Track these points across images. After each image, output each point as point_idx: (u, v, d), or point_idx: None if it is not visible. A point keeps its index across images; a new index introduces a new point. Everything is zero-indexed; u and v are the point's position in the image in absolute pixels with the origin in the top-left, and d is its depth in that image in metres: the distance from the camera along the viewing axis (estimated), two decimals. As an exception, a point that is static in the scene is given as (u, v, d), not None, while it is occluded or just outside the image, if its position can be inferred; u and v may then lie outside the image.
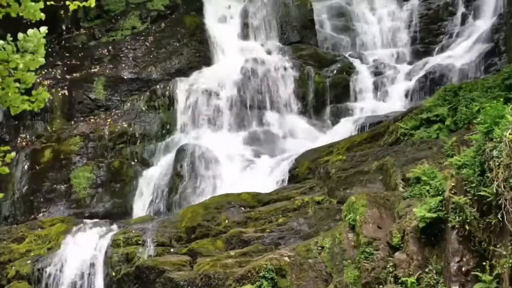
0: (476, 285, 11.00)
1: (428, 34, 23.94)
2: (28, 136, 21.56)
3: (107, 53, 23.43)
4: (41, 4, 8.21)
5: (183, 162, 19.55)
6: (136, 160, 20.74)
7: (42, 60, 8.05)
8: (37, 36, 7.94)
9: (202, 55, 23.08)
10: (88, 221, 17.52)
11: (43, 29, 8.00)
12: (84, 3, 8.78)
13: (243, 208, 16.32)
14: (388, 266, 12.23)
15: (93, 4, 8.81)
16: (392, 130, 17.46)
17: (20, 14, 8.15)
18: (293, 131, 21.04)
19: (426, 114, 16.78)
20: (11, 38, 7.93)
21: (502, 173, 10.59)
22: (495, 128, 10.95)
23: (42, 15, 8.22)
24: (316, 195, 15.92)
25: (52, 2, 8.59)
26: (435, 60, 22.11)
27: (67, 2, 8.65)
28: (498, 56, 21.10)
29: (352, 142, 18.28)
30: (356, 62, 23.12)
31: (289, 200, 16.19)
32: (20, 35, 7.92)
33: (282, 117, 21.42)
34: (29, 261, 15.81)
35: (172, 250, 15.40)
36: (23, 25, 8.53)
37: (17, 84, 8.16)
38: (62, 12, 22.24)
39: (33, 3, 8.08)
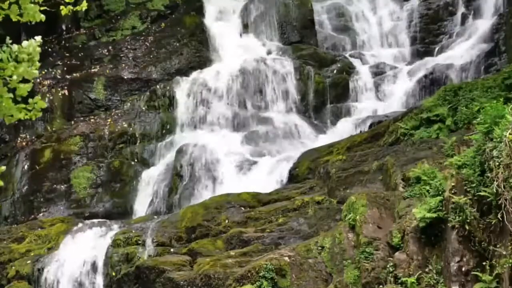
0: (476, 285, 11.00)
1: (428, 34, 23.93)
2: (28, 136, 21.55)
3: (107, 53, 23.43)
4: (37, 8, 8.18)
5: (183, 162, 19.54)
6: (136, 160, 20.74)
7: (35, 73, 7.99)
8: (32, 45, 7.91)
9: (202, 55, 23.07)
10: (88, 221, 17.53)
11: (38, 38, 7.98)
12: (77, 8, 8.77)
13: (243, 208, 16.32)
14: (388, 266, 12.23)
15: (84, 8, 8.80)
16: (392, 130, 17.46)
17: (17, 18, 8.12)
18: (293, 131, 21.03)
19: (426, 114, 16.78)
20: (10, 41, 7.90)
21: (502, 173, 10.59)
22: (495, 128, 10.95)
23: (42, 17, 8.19)
24: (316, 195, 15.92)
25: (47, 8, 8.56)
26: (435, 60, 22.09)
27: (61, 7, 8.63)
28: (498, 56, 21.09)
29: (352, 142, 18.28)
30: (356, 62, 23.10)
31: (289, 200, 16.19)
32: (15, 47, 7.87)
33: (282, 117, 21.40)
34: (29, 261, 15.82)
35: (172, 250, 15.40)
36: (24, 27, 8.52)
37: (11, 95, 8.10)
38: (61, 11, 22.21)
39: (32, 5, 8.05)
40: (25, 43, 7.87)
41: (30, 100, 8.15)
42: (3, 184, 8.70)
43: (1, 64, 7.80)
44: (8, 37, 7.94)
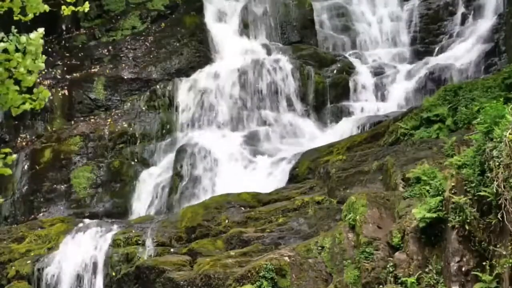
0: (476, 285, 11.01)
1: (428, 34, 23.93)
2: (28, 136, 21.56)
3: (107, 53, 23.43)
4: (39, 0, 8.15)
5: (183, 162, 19.55)
6: (136, 160, 20.74)
7: (42, 65, 8.01)
8: (35, 37, 7.90)
9: (202, 55, 23.07)
10: (88, 221, 17.52)
11: (41, 30, 7.97)
12: (79, 8, 8.76)
13: (243, 208, 16.32)
14: (388, 266, 12.23)
15: (86, 10, 8.80)
16: (392, 130, 17.46)
17: (19, 17, 8.10)
18: (293, 131, 21.03)
19: (426, 114, 16.79)
20: (15, 30, 7.88)
21: (502, 173, 10.59)
22: (495, 128, 10.95)
23: (46, 7, 8.17)
24: (316, 195, 15.92)
25: (49, 8, 8.54)
26: (435, 60, 22.10)
27: (63, 7, 8.63)
28: (498, 56, 21.10)
29: (352, 142, 18.29)
30: (356, 62, 23.11)
31: (289, 200, 16.19)
32: (23, 38, 7.88)
33: (282, 117, 21.40)
34: (29, 261, 15.82)
35: (172, 250, 15.40)
36: (24, 24, 8.50)
37: (17, 87, 8.12)
38: (62, 12, 22.23)
39: None
40: (33, 34, 7.88)
41: (35, 90, 8.19)
42: (11, 172, 8.70)
43: (6, 55, 7.80)
44: (13, 26, 7.93)
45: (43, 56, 8.06)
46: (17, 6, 8.06)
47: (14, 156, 8.61)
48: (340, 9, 25.48)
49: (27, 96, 8.21)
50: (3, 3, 8.08)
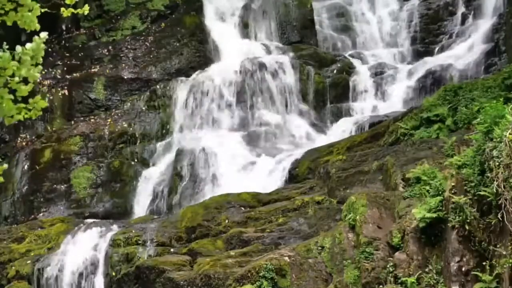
0: (476, 285, 11.01)
1: (428, 34, 23.93)
2: (28, 136, 21.56)
3: (107, 53, 23.42)
4: (37, 12, 8.12)
5: (183, 162, 19.55)
6: (136, 160, 20.74)
7: (37, 75, 7.97)
8: (36, 41, 7.88)
9: (202, 55, 23.07)
10: (88, 221, 17.55)
11: (44, 34, 7.94)
12: (78, 11, 8.75)
13: (243, 208, 16.33)
14: (388, 266, 12.24)
15: (86, 12, 8.80)
16: (392, 130, 17.46)
17: (17, 22, 8.09)
18: (293, 131, 21.03)
19: (426, 114, 16.79)
20: (7, 47, 7.87)
21: (502, 173, 10.59)
22: (495, 128, 10.95)
23: (37, 26, 8.15)
24: (316, 195, 15.92)
25: (47, 10, 8.53)
26: (435, 60, 22.10)
27: (62, 9, 8.61)
28: (498, 56, 21.09)
29: (352, 142, 18.29)
30: (356, 62, 23.10)
31: (289, 200, 16.19)
32: (19, 48, 7.84)
33: (282, 117, 21.40)
34: (29, 261, 15.83)
35: (172, 250, 15.41)
36: (24, 29, 8.47)
37: (12, 96, 8.08)
38: (61, 12, 22.21)
39: (29, 13, 8.01)
40: (28, 45, 7.84)
41: (30, 100, 8.12)
42: (3, 181, 8.67)
43: (2, 63, 7.77)
44: (4, 43, 7.92)
45: (39, 66, 8.02)
46: (11, 20, 8.06)
47: (5, 165, 8.57)
48: (340, 9, 25.47)
49: (22, 105, 8.16)
50: None
